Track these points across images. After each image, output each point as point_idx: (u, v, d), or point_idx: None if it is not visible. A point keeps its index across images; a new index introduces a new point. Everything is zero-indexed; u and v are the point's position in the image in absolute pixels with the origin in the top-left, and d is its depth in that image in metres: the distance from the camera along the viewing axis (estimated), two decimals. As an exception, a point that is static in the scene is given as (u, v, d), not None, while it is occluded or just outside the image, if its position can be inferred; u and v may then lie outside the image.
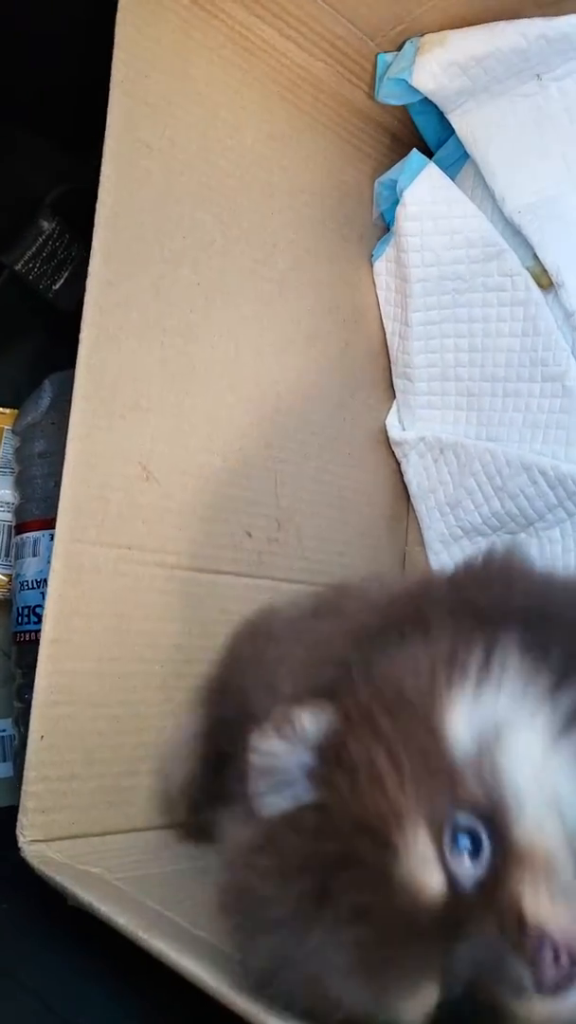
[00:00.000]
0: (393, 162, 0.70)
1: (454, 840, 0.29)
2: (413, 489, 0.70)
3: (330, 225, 0.68)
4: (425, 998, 0.29)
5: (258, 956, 0.32)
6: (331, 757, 0.32)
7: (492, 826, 0.29)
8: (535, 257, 0.63)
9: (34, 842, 0.47)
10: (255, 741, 0.33)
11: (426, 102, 0.67)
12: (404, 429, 0.70)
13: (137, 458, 0.55)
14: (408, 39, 0.65)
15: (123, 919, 0.40)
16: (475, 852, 0.29)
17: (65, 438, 0.51)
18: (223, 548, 0.59)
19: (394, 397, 0.71)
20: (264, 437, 0.62)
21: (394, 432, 0.70)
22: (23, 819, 0.47)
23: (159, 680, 0.54)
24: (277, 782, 0.33)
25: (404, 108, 0.70)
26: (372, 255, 0.70)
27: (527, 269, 0.63)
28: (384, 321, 0.71)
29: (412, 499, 0.70)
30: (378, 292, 0.70)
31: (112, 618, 0.52)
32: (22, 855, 0.46)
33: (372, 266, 0.70)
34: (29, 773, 0.48)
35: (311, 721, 0.33)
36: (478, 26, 0.62)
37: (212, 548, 0.58)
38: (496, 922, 0.28)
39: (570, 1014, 0.28)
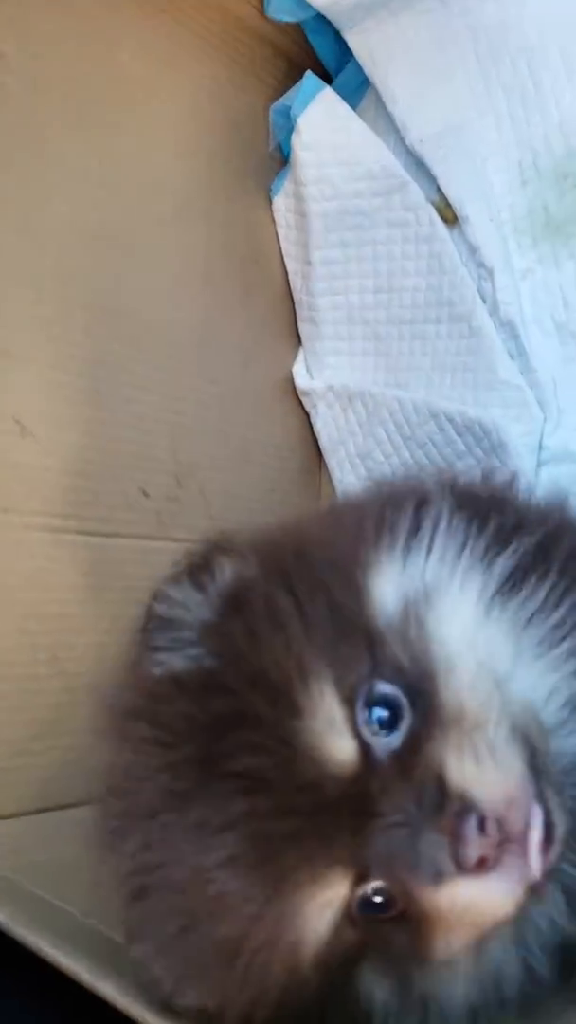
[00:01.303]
0: (290, 87, 0.65)
1: (368, 709, 0.25)
2: (323, 441, 0.67)
3: (223, 157, 0.63)
4: (331, 892, 0.24)
5: (126, 857, 0.27)
6: (234, 609, 0.27)
7: (415, 693, 0.26)
8: (439, 190, 0.60)
9: None
10: (164, 587, 0.28)
11: (321, 19, 0.62)
12: (312, 378, 0.66)
13: (10, 412, 0.50)
14: (297, -53, 0.60)
15: (2, 914, 0.36)
16: (392, 723, 0.26)
17: None
18: (116, 509, 0.55)
19: (300, 344, 0.68)
20: (158, 387, 0.58)
21: (301, 381, 0.66)
22: None
23: (48, 653, 0.51)
24: (177, 638, 0.28)
25: (300, 29, 0.65)
26: (270, 190, 0.66)
27: (431, 203, 0.60)
28: (286, 261, 0.66)
29: (323, 451, 0.67)
30: (278, 230, 0.66)
31: (-11, 588, 0.48)
32: None
33: (271, 202, 0.66)
34: None
35: (230, 569, 0.28)
36: None
37: (103, 509, 0.54)
38: (413, 794, 0.24)
39: (499, 900, 0.23)
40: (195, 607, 0.28)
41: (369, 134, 0.61)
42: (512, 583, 0.28)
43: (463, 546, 0.29)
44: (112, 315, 0.55)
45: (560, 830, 0.24)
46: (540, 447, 0.53)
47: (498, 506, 0.32)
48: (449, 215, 0.59)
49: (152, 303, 0.58)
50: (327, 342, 0.65)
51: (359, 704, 0.26)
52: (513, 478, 0.39)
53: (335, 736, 0.25)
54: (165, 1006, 0.27)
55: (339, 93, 0.65)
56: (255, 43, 0.66)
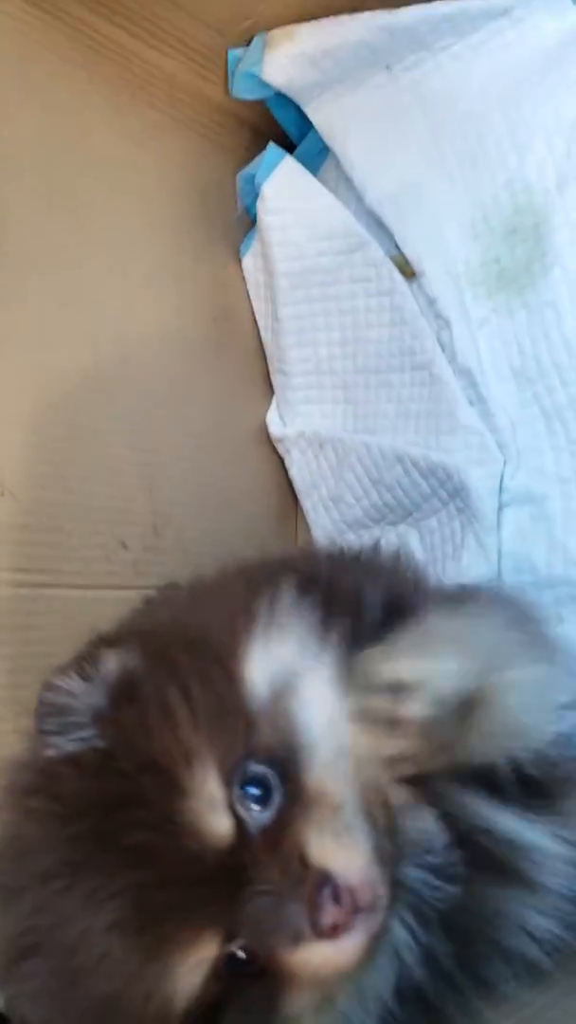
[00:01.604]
0: (255, 156, 0.69)
1: (243, 787, 0.29)
2: (298, 485, 0.69)
3: (193, 223, 0.67)
4: (203, 952, 0.28)
5: (18, 917, 0.29)
6: (123, 696, 0.31)
7: (283, 773, 0.29)
8: (397, 247, 0.63)
9: None
10: (52, 678, 0.32)
11: (282, 96, 0.66)
12: (285, 425, 0.69)
13: (-8, 474, 0.52)
14: (256, 33, 0.64)
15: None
16: (264, 800, 0.29)
17: None
18: (94, 561, 0.57)
19: (273, 393, 0.70)
20: (134, 443, 0.61)
21: (275, 428, 0.69)
22: None
23: (34, 704, 0.52)
24: (67, 723, 0.31)
25: (263, 102, 0.69)
26: (240, 250, 0.69)
27: (390, 258, 0.63)
28: (256, 317, 0.70)
29: (298, 495, 0.70)
30: (248, 288, 0.69)
31: (-28, 643, 0.50)
32: None
33: (240, 262, 0.69)
34: None
35: (113, 661, 0.31)
36: (324, 19, 0.62)
37: (80, 563, 0.56)
38: (279, 866, 0.28)
39: (347, 960, 0.27)
40: (83, 695, 0.31)
41: (329, 197, 0.65)
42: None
43: (313, 631, 0.32)
44: (88, 377, 0.58)
45: (404, 900, 0.28)
46: (501, 489, 0.55)
47: (335, 584, 0.34)
48: (408, 270, 0.62)
49: (127, 364, 0.61)
50: (298, 392, 0.68)
51: (235, 783, 0.29)
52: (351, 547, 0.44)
53: (214, 814, 0.28)
54: None
55: (302, 159, 0.69)
56: (221, 116, 0.70)
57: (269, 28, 0.64)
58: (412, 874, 0.30)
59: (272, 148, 0.66)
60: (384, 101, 0.64)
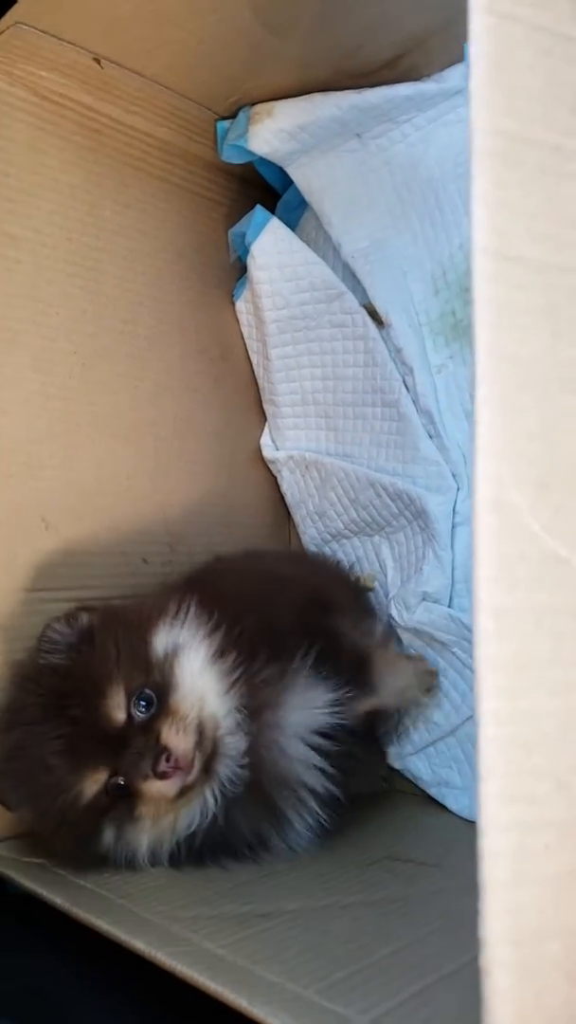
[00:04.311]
0: (244, 204, 0.78)
1: (139, 700, 0.51)
2: (288, 500, 0.80)
3: (191, 276, 0.77)
4: (99, 775, 0.51)
5: (9, 741, 0.52)
6: (84, 639, 0.54)
7: (161, 696, 0.52)
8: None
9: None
10: (52, 623, 0.55)
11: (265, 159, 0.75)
12: (276, 448, 0.80)
13: (38, 513, 0.64)
14: (241, 108, 0.73)
15: (60, 899, 0.50)
16: (147, 709, 0.51)
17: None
18: (121, 576, 0.69)
19: (266, 420, 0.81)
20: (148, 474, 0.72)
21: (267, 451, 0.80)
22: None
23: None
24: (54, 649, 0.54)
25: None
26: (233, 295, 0.79)
27: (364, 307, 0.73)
28: (249, 354, 0.80)
29: (289, 508, 0.81)
30: (242, 328, 0.79)
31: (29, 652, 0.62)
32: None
33: (235, 305, 0.79)
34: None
35: (85, 619, 0.55)
36: (300, 98, 0.70)
37: (111, 578, 0.68)
38: (145, 740, 0.51)
39: (170, 791, 0.50)
40: (65, 635, 0.54)
41: (310, 254, 0.74)
42: (220, 652, 0.54)
43: (198, 625, 0.55)
44: (109, 422, 0.69)
45: (215, 779, 0.53)
46: (454, 512, 0.66)
47: (223, 603, 0.56)
48: (379, 318, 0.72)
49: (141, 408, 0.71)
50: (287, 419, 0.79)
51: (133, 697, 0.51)
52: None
53: (118, 709, 0.51)
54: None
55: (284, 208, 0.78)
56: (212, 174, 0.79)
57: (250, 103, 0.73)
58: (222, 769, 0.52)
59: (259, 210, 0.75)
60: (355, 163, 0.73)
